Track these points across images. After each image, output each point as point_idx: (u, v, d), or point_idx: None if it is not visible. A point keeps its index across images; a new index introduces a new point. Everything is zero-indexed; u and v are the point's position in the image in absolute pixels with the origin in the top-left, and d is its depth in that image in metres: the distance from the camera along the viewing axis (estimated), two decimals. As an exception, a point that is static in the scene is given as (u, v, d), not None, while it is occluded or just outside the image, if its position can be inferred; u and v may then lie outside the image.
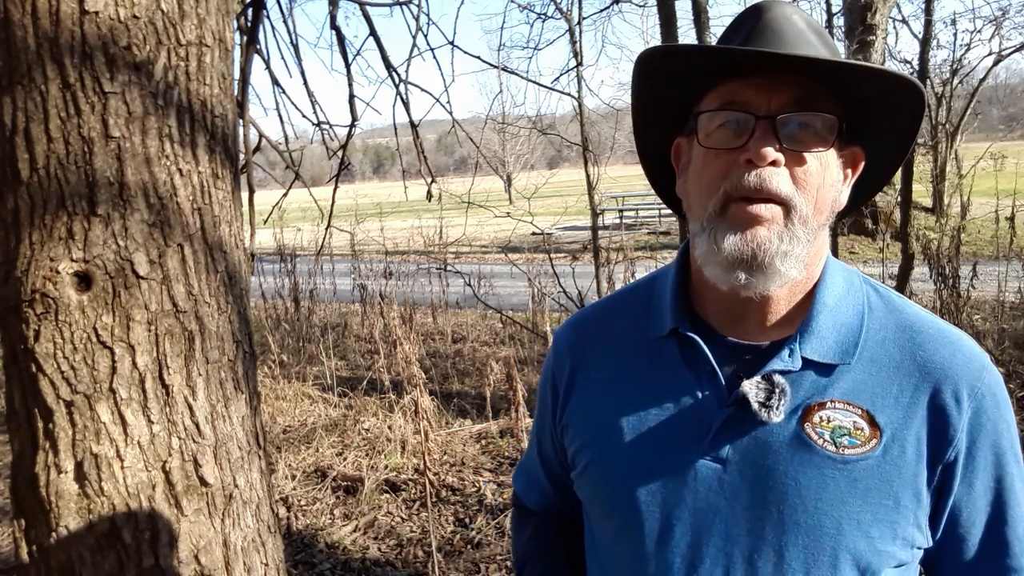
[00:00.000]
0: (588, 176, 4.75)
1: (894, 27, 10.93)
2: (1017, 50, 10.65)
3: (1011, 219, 6.82)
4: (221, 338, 1.36)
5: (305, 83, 3.01)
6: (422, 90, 3.20)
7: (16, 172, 1.20)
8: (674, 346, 0.85)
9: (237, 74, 1.88)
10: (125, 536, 1.24)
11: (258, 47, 2.29)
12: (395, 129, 3.62)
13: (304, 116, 3.33)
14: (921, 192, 11.02)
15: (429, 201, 3.42)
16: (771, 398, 0.77)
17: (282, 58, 4.59)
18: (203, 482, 1.32)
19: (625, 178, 22.58)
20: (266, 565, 1.46)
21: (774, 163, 0.74)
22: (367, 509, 3.76)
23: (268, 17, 2.82)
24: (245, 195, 1.96)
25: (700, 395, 0.81)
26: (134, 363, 1.24)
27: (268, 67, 2.78)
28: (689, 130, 0.83)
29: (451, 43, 3.37)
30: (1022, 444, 0.82)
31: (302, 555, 3.35)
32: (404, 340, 4.29)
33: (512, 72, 4.72)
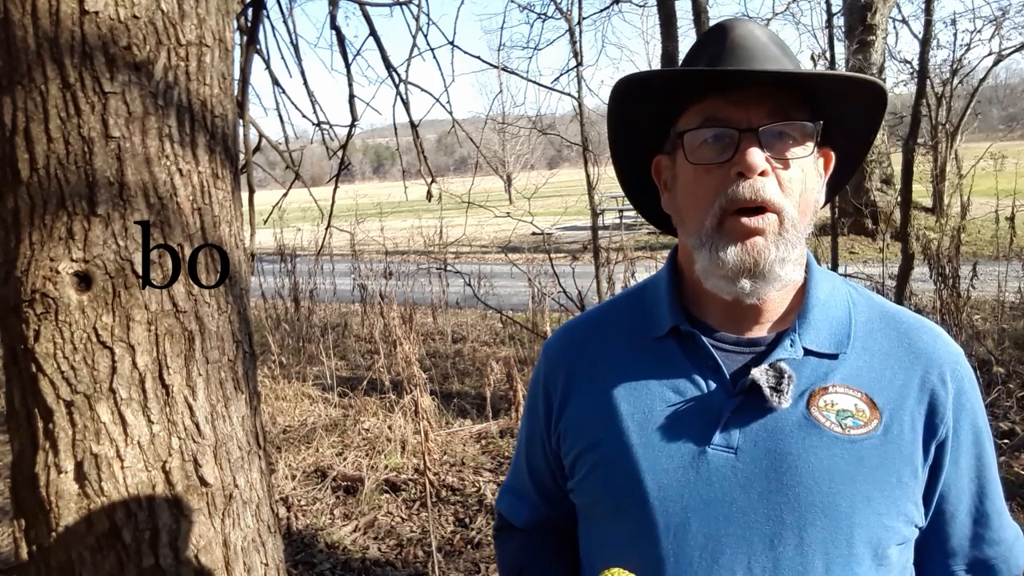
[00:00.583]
0: (588, 176, 4.75)
1: (894, 27, 10.94)
2: (1017, 50, 10.65)
3: (1011, 219, 6.82)
4: (221, 338, 1.36)
5: (305, 83, 3.01)
6: (422, 90, 3.20)
7: (16, 172, 1.20)
8: (674, 344, 0.87)
9: (237, 74, 1.88)
10: (125, 536, 1.24)
11: (258, 47, 2.29)
12: (395, 129, 3.62)
13: (304, 116, 3.33)
14: (921, 192, 11.01)
15: (429, 201, 3.42)
16: (780, 383, 0.79)
17: (282, 58, 4.60)
18: (203, 482, 1.32)
19: (625, 178, 22.47)
20: (266, 565, 1.46)
21: (763, 173, 0.78)
22: (367, 509, 3.76)
23: (268, 17, 2.82)
24: (245, 195, 1.97)
25: (705, 388, 0.83)
26: (134, 363, 1.24)
27: (268, 67, 2.78)
28: (671, 148, 0.87)
29: (451, 43, 3.37)
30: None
31: (302, 555, 3.35)
32: (404, 340, 4.29)
33: (512, 72, 4.72)
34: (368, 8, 2.95)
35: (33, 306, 1.20)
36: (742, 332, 0.86)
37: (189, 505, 1.30)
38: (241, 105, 2.02)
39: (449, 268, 5.40)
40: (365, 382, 5.48)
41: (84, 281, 1.21)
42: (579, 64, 4.71)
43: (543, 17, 6.81)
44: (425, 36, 9.44)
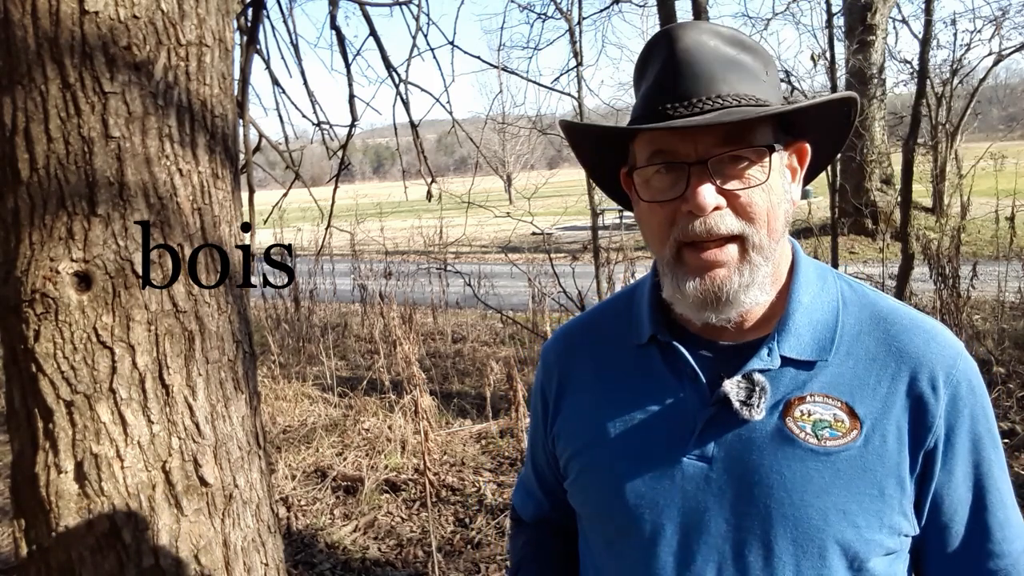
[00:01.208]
0: (588, 176, 4.74)
1: (894, 27, 10.93)
2: (1017, 50, 10.64)
3: (1011, 219, 6.82)
4: (221, 338, 1.36)
5: (305, 83, 3.02)
6: (422, 90, 3.21)
7: (16, 172, 1.20)
8: (655, 352, 0.86)
9: (237, 74, 1.88)
10: (125, 536, 1.24)
11: (258, 47, 2.29)
12: (395, 129, 3.62)
13: (304, 116, 3.34)
14: (921, 192, 11.01)
15: (429, 201, 3.42)
16: (751, 396, 0.78)
17: (282, 58, 4.60)
18: (203, 482, 1.32)
19: (625, 178, 22.49)
20: (266, 565, 1.46)
21: (717, 207, 0.75)
22: (367, 509, 3.76)
23: (268, 17, 2.82)
24: (245, 195, 1.97)
25: (683, 397, 0.83)
26: (134, 363, 1.24)
27: (268, 67, 2.78)
28: (630, 167, 0.84)
29: (451, 43, 3.37)
30: (1003, 435, 0.83)
31: (302, 555, 3.35)
32: (404, 340, 4.29)
33: (512, 72, 4.72)
34: (368, 8, 2.95)
35: (33, 306, 1.20)
36: (721, 336, 0.84)
37: (189, 505, 1.30)
38: (241, 105, 2.02)
39: (449, 268, 5.40)
40: (365, 382, 5.48)
41: (84, 281, 1.21)
42: (579, 64, 4.71)
43: (543, 17, 6.80)
44: (425, 36, 9.44)
